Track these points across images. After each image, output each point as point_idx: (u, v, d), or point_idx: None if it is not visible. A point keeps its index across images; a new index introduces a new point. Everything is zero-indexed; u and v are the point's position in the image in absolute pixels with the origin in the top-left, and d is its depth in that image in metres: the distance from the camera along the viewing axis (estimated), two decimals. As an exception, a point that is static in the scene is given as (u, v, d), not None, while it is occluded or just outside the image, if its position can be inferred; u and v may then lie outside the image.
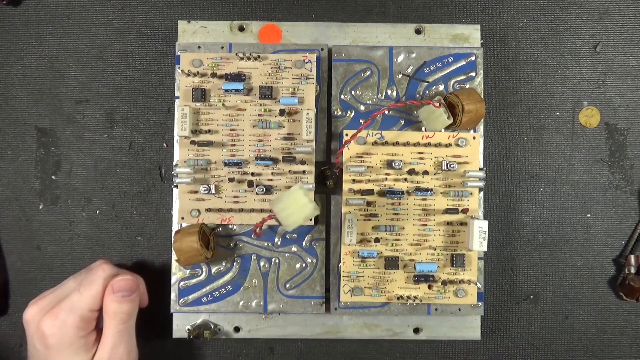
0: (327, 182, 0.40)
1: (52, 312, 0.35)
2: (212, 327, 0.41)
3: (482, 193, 0.40)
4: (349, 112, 0.40)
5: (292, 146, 0.39)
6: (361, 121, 0.40)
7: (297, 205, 0.34)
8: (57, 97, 0.43)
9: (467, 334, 0.41)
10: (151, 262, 0.43)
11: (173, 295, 0.40)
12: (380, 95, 0.41)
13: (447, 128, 0.39)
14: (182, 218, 0.39)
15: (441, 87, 0.41)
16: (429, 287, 0.39)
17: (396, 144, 0.39)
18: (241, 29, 0.42)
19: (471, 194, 0.39)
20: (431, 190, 0.39)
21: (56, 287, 0.38)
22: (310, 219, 0.39)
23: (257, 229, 0.38)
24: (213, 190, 0.39)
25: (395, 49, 0.41)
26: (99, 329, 0.37)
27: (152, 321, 0.43)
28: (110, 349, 0.36)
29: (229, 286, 0.40)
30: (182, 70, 0.39)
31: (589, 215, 0.43)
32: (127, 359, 0.37)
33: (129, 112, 0.43)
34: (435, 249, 0.39)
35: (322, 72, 0.40)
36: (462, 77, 0.41)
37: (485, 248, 0.38)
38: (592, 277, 0.43)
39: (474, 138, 0.39)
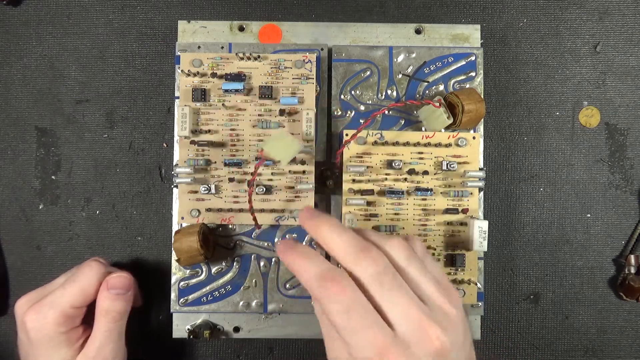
0: (327, 182, 0.40)
1: (34, 306, 0.35)
2: (212, 327, 0.41)
3: (482, 193, 0.40)
4: (349, 112, 0.40)
5: (292, 146, 0.39)
6: (361, 121, 0.40)
7: (285, 142, 0.35)
8: (57, 97, 0.43)
9: (467, 334, 0.41)
10: (151, 262, 0.43)
11: (173, 295, 0.40)
12: (380, 95, 0.41)
13: (447, 128, 0.39)
14: (182, 218, 0.39)
15: (441, 87, 0.41)
16: (429, 287, 0.39)
17: (396, 144, 0.39)
18: (241, 29, 0.42)
19: (471, 194, 0.39)
20: (431, 190, 0.39)
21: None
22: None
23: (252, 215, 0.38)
24: (213, 190, 0.39)
25: (395, 49, 0.41)
26: (87, 325, 0.37)
27: (152, 321, 0.43)
28: (97, 347, 0.36)
29: (229, 286, 0.40)
30: (182, 70, 0.39)
31: (589, 215, 0.43)
32: (113, 359, 0.37)
33: (129, 112, 0.43)
34: (435, 249, 0.39)
35: (322, 72, 0.40)
36: (462, 77, 0.41)
37: (485, 248, 0.38)
38: (592, 277, 0.43)
39: (474, 138, 0.39)
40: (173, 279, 0.40)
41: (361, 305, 0.26)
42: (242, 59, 0.39)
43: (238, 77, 0.39)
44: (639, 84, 0.43)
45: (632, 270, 0.42)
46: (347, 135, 0.39)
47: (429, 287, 0.28)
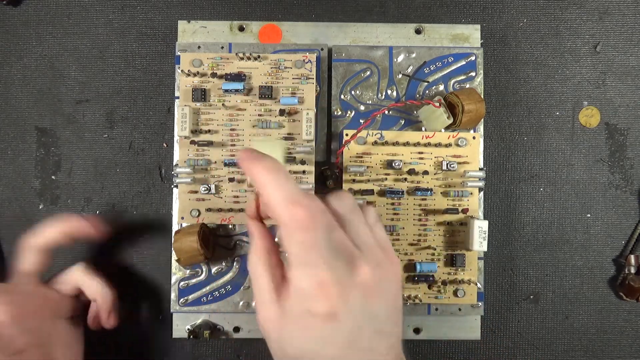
0: (327, 182, 0.40)
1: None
2: (212, 327, 0.41)
3: (482, 193, 0.40)
4: (349, 112, 0.40)
5: (292, 146, 0.39)
6: (361, 121, 0.40)
7: (269, 145, 0.32)
8: (57, 97, 0.43)
9: (467, 334, 0.41)
10: (151, 262, 0.43)
11: (173, 295, 0.40)
12: (380, 95, 0.41)
13: (447, 128, 0.39)
14: (182, 218, 0.39)
15: (441, 87, 0.41)
16: (429, 287, 0.39)
17: (396, 144, 0.39)
18: (241, 29, 0.42)
19: (471, 194, 0.39)
20: (431, 190, 0.39)
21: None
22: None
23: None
24: (213, 190, 0.39)
25: (395, 49, 0.41)
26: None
27: (152, 321, 0.43)
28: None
29: (229, 286, 0.40)
30: (182, 70, 0.39)
31: (589, 215, 0.43)
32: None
33: (129, 112, 0.43)
34: (435, 249, 0.39)
35: (322, 72, 0.40)
36: (462, 77, 0.41)
37: (485, 248, 0.38)
38: (592, 277, 0.43)
39: (474, 138, 0.39)
40: (173, 279, 0.40)
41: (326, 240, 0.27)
42: (242, 59, 0.39)
43: (238, 77, 0.39)
44: (639, 84, 0.43)
45: (632, 270, 0.42)
46: (347, 135, 0.39)
47: (368, 238, 0.29)
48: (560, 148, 0.43)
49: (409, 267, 0.39)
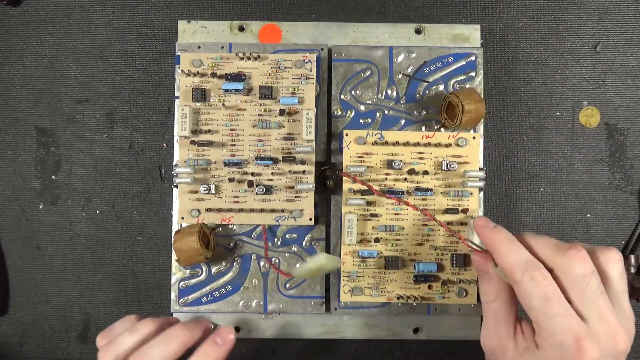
0: (327, 182, 0.40)
1: None
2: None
3: (482, 193, 0.40)
4: (349, 112, 0.40)
5: (292, 146, 0.39)
6: (361, 121, 0.40)
7: (320, 266, 0.36)
8: (57, 97, 0.43)
9: (467, 334, 0.41)
10: (151, 262, 0.43)
11: (173, 295, 0.40)
12: (380, 95, 0.41)
13: (446, 128, 0.39)
14: (182, 218, 0.39)
15: (441, 87, 0.41)
16: (429, 287, 0.39)
17: (396, 144, 0.39)
18: (241, 29, 0.42)
19: (471, 194, 0.39)
20: (431, 190, 0.39)
21: None
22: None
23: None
24: (213, 190, 0.39)
25: (395, 49, 0.41)
26: None
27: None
28: None
29: (229, 286, 0.40)
30: (182, 70, 0.39)
31: (589, 215, 0.43)
32: None
33: (129, 112, 0.43)
34: (435, 249, 0.39)
35: (322, 72, 0.40)
36: (462, 77, 0.41)
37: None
38: (592, 277, 0.43)
39: (474, 138, 0.39)
40: (173, 279, 0.40)
41: (559, 296, 0.29)
42: (242, 59, 0.39)
43: (238, 77, 0.39)
44: (639, 84, 0.43)
45: (632, 270, 0.42)
46: (347, 135, 0.39)
47: (626, 302, 0.31)
48: (560, 148, 0.43)
49: (409, 267, 0.39)
